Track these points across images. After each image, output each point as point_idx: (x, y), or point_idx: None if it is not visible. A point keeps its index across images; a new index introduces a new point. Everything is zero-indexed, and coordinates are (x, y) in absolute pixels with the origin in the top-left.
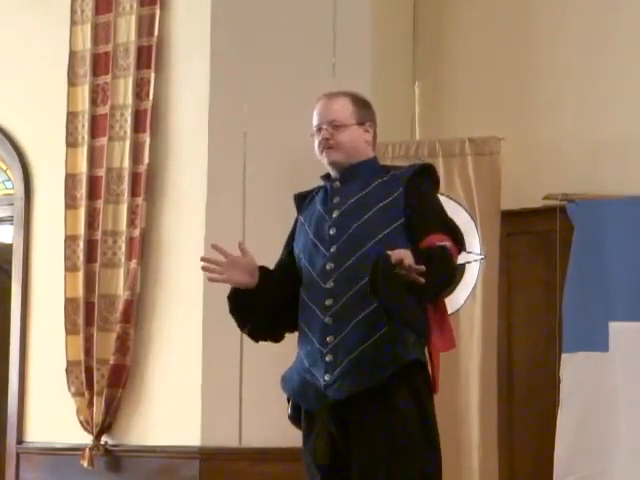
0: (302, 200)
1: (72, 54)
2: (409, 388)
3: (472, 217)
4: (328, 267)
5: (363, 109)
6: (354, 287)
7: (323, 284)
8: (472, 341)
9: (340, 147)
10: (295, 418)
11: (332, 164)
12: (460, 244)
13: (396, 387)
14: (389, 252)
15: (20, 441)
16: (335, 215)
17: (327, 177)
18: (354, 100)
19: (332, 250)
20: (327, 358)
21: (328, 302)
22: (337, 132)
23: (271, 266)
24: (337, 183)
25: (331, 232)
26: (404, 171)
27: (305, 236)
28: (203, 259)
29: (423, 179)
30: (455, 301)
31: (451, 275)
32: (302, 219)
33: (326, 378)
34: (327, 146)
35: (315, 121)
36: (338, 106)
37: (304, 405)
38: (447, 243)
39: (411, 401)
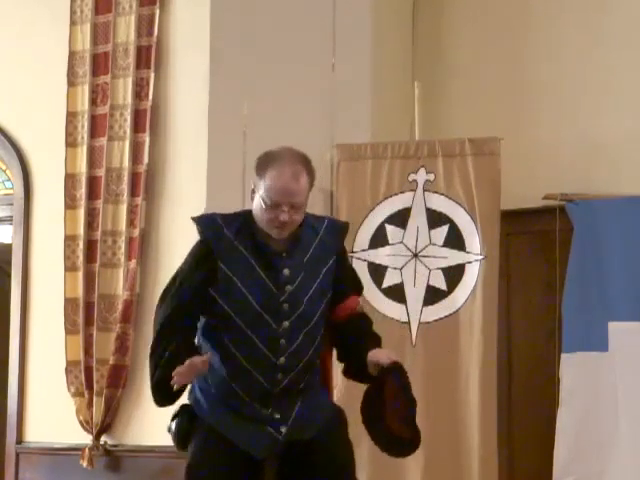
0: (218, 240)
1: (72, 54)
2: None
3: (472, 217)
4: (281, 343)
5: (312, 177)
6: (301, 363)
7: (274, 358)
8: (472, 341)
9: (293, 225)
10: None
11: (252, 245)
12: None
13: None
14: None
15: (20, 441)
16: (288, 289)
17: (251, 232)
18: (309, 172)
19: (285, 325)
20: (275, 415)
21: (279, 376)
22: (295, 212)
23: None
24: (284, 254)
25: (284, 307)
26: (330, 235)
27: (242, 296)
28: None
29: (344, 246)
30: (455, 301)
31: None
32: (225, 268)
33: (282, 430)
34: (284, 227)
35: (274, 196)
36: (301, 186)
37: (251, 451)
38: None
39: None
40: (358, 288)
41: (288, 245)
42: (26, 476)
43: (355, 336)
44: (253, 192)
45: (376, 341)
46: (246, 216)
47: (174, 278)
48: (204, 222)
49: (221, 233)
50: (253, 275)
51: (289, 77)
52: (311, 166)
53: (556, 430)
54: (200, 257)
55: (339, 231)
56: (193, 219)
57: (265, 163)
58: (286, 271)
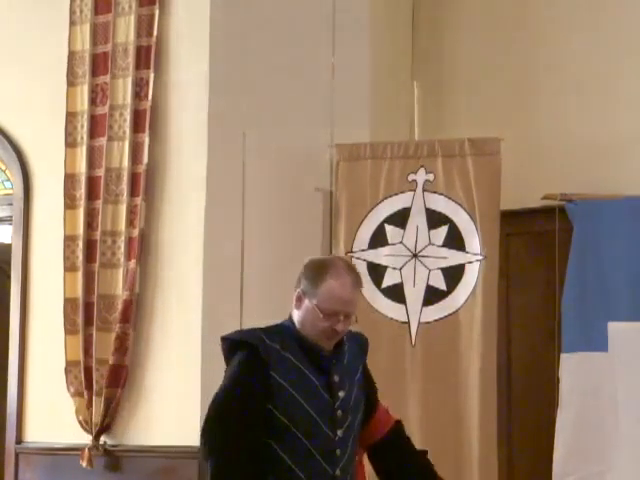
0: (265, 349)
1: (71, 54)
2: None
3: (472, 217)
4: (337, 453)
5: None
6: (348, 476)
7: (331, 470)
8: (472, 341)
9: (344, 334)
10: None
11: (305, 354)
12: None
13: None
14: None
15: (19, 441)
16: (341, 395)
17: (296, 340)
18: (360, 280)
19: (339, 434)
20: None
21: None
22: (348, 321)
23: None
24: (334, 360)
25: (338, 414)
26: (355, 344)
27: (298, 405)
28: None
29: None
30: (455, 301)
31: None
32: (277, 378)
33: None
34: (335, 336)
35: (334, 305)
36: (357, 298)
37: None
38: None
39: None
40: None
41: (333, 351)
42: (26, 476)
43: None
44: (299, 300)
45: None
46: (285, 326)
47: (229, 397)
48: (245, 334)
49: (265, 343)
50: (306, 382)
51: (289, 77)
52: (358, 273)
53: (556, 430)
54: (253, 369)
55: (363, 342)
56: (226, 337)
57: (321, 272)
58: (336, 377)
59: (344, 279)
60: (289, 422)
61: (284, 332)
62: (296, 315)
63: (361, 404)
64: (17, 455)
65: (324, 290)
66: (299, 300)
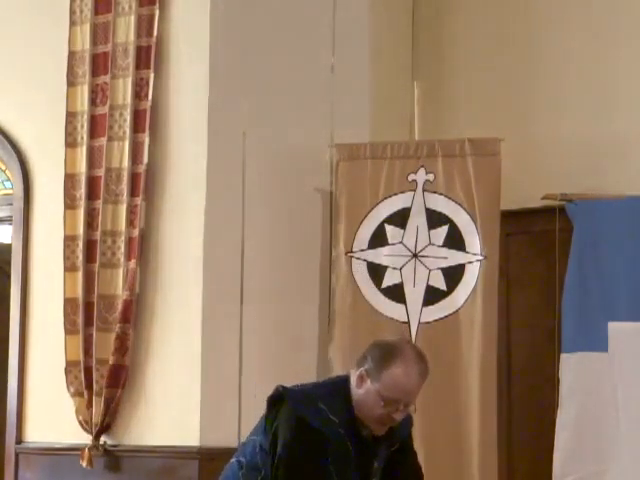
0: (329, 431)
1: (71, 54)
2: None
3: (472, 217)
4: None
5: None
6: None
7: None
8: (472, 341)
9: (398, 422)
10: None
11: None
12: None
13: None
14: None
15: (19, 441)
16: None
17: (351, 418)
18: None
19: None
20: None
21: None
22: (406, 410)
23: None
24: (380, 446)
25: None
26: (403, 428)
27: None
28: None
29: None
30: (455, 301)
31: None
32: (328, 462)
33: None
34: (390, 423)
35: (396, 394)
36: (420, 388)
37: None
38: None
39: None
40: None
41: (383, 436)
42: (25, 476)
43: None
44: (361, 379)
45: None
46: (343, 395)
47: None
48: (306, 409)
49: (328, 419)
50: (347, 462)
51: (289, 77)
52: (428, 365)
53: (555, 430)
54: (318, 451)
55: (408, 422)
56: (293, 408)
57: (389, 357)
58: (377, 463)
59: (411, 369)
60: None
61: (343, 404)
62: (355, 393)
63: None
64: (17, 455)
65: (389, 377)
66: (361, 379)
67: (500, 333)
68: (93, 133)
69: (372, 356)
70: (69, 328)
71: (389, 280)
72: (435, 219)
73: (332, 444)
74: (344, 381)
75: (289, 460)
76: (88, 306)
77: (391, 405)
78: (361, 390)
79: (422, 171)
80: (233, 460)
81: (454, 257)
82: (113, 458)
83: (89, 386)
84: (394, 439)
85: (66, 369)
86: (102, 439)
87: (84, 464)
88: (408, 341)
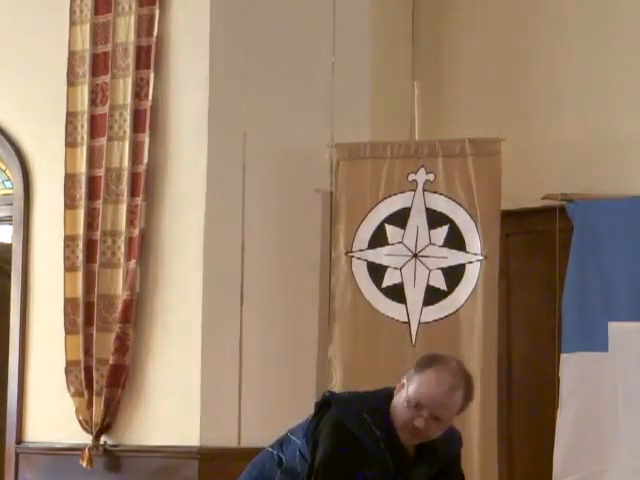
0: (369, 440)
1: (71, 54)
2: None
3: (472, 217)
4: None
5: (468, 401)
6: None
7: None
8: (472, 341)
9: (427, 437)
10: None
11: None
12: None
13: None
14: None
15: (19, 441)
16: None
17: (390, 427)
18: (466, 393)
19: None
20: None
21: None
22: (435, 425)
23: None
24: (414, 460)
25: None
26: (448, 448)
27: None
28: None
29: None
30: (456, 301)
31: None
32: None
33: None
34: (417, 434)
35: (421, 397)
36: (452, 401)
37: None
38: None
39: None
40: None
41: (419, 451)
42: (26, 476)
43: None
44: (402, 386)
45: None
46: (387, 409)
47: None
48: (353, 420)
49: (370, 431)
50: (385, 476)
51: (289, 77)
52: (471, 388)
53: (556, 430)
54: (357, 461)
55: (456, 442)
56: (338, 420)
57: (428, 362)
58: (414, 476)
59: (444, 378)
60: None
61: (385, 416)
62: (394, 400)
63: None
64: (17, 455)
65: (420, 378)
66: (402, 386)
67: (500, 333)
68: (93, 133)
69: (417, 363)
70: (69, 328)
71: (389, 280)
72: (435, 219)
73: (372, 456)
74: (391, 392)
75: (327, 467)
76: (88, 306)
77: (414, 409)
78: (398, 396)
79: (422, 171)
80: (269, 450)
81: (454, 257)
82: (113, 458)
83: (89, 386)
84: (437, 459)
85: (66, 369)
86: (102, 439)
87: (84, 464)
88: (458, 360)
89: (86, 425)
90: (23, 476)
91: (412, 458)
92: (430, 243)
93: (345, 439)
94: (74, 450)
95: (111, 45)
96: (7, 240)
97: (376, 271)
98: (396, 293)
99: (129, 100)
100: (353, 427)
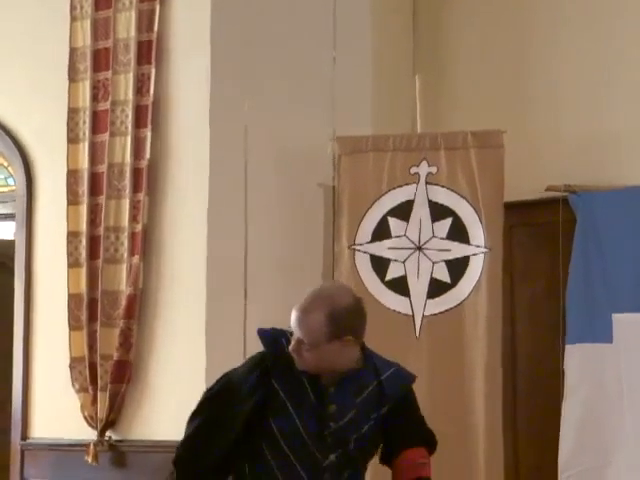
0: (276, 361)
1: (72, 50)
2: None
3: (475, 209)
4: (325, 477)
5: (337, 326)
6: None
7: None
8: (477, 333)
9: (309, 364)
10: None
11: (305, 371)
12: (434, 447)
13: None
14: None
15: (24, 437)
16: (332, 426)
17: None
18: (329, 318)
19: (331, 459)
20: None
21: None
22: (308, 353)
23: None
24: (332, 389)
25: (329, 441)
26: (391, 383)
27: (291, 420)
28: None
29: (408, 397)
30: (460, 293)
31: None
32: (276, 385)
33: None
34: (297, 355)
35: (290, 322)
36: (309, 326)
37: None
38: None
39: None
40: (419, 441)
41: (339, 381)
42: (31, 472)
43: None
44: None
45: None
46: None
47: (224, 383)
48: (273, 334)
49: (283, 351)
50: (305, 401)
51: (290, 71)
52: (335, 312)
53: (561, 422)
54: (255, 370)
55: (402, 380)
56: (259, 332)
57: None
58: (332, 407)
59: (303, 300)
60: (279, 434)
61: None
62: None
63: (375, 441)
64: (22, 452)
65: None
66: None
67: (505, 325)
68: (95, 129)
69: None
70: (73, 324)
71: (393, 273)
72: (438, 211)
73: (282, 376)
74: None
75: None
76: (92, 302)
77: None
78: None
79: (425, 163)
80: None
81: (458, 249)
82: (118, 453)
83: (94, 382)
84: (354, 383)
85: (71, 365)
86: (107, 434)
87: (89, 460)
88: (336, 286)
89: (91, 421)
90: (28, 472)
91: (329, 388)
92: (433, 236)
93: (249, 365)
94: (79, 446)
95: (112, 41)
96: (10, 237)
97: (379, 264)
98: (400, 286)
99: (131, 96)
100: (266, 343)
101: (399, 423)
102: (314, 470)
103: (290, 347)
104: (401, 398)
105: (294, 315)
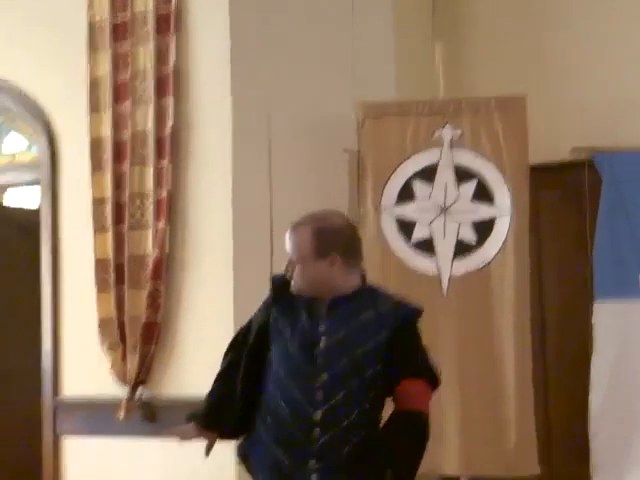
0: (279, 290)
1: (91, 24)
2: None
3: (501, 172)
4: (320, 396)
5: (321, 240)
6: (342, 423)
7: (310, 410)
8: (503, 293)
9: (301, 284)
10: None
11: (299, 294)
12: (435, 383)
13: None
14: None
15: (56, 393)
16: (322, 345)
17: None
18: (315, 231)
19: (324, 378)
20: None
21: (316, 432)
22: (298, 269)
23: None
24: (323, 311)
25: (319, 361)
26: (389, 312)
27: (285, 345)
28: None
29: (409, 329)
30: (487, 254)
31: (420, 446)
32: (276, 312)
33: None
34: (290, 276)
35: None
36: (296, 240)
37: None
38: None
39: None
40: (416, 373)
41: (331, 304)
42: (64, 428)
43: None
44: None
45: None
46: None
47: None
48: (276, 279)
49: (283, 280)
50: (298, 323)
51: (311, 40)
52: (321, 226)
53: (591, 377)
54: (263, 305)
55: (402, 311)
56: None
57: None
58: (322, 327)
59: (296, 221)
60: (275, 355)
61: None
62: None
63: (372, 366)
64: (55, 407)
65: None
66: None
67: (532, 284)
68: (117, 97)
69: None
70: (100, 287)
71: (418, 235)
72: (463, 174)
73: (283, 307)
74: None
75: None
76: (118, 267)
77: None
78: None
79: (449, 127)
80: None
81: (483, 211)
82: (149, 409)
83: (123, 340)
84: (347, 305)
85: (99, 325)
86: (138, 391)
87: (121, 415)
88: (332, 211)
89: (122, 378)
90: (61, 428)
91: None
92: (459, 197)
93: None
94: (110, 402)
95: (129, 14)
96: (35, 204)
97: (405, 226)
98: (426, 247)
99: (151, 65)
100: (273, 283)
101: (397, 353)
102: (307, 389)
103: (286, 265)
104: (400, 329)
105: (288, 233)
